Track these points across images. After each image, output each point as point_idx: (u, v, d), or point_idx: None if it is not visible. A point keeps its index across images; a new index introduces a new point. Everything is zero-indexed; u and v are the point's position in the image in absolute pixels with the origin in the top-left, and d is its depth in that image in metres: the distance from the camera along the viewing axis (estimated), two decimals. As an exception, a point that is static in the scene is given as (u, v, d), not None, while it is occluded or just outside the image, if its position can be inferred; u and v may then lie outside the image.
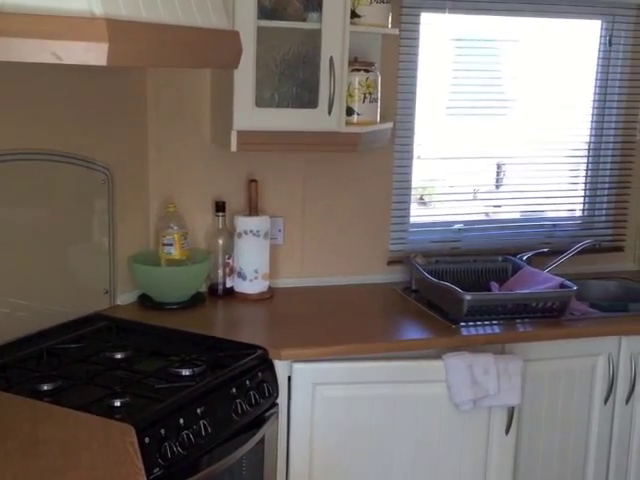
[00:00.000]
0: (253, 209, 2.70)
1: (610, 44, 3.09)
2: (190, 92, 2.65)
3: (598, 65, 3.13)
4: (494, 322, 2.51)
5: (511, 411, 2.36)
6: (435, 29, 2.88)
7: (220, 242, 2.68)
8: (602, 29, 3.11)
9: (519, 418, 2.42)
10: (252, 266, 2.67)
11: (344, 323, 2.49)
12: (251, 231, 2.65)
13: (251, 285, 2.67)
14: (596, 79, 3.14)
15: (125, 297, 2.58)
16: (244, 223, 2.66)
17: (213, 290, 2.70)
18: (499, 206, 3.19)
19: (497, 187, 3.20)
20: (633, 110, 3.17)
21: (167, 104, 2.62)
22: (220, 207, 2.68)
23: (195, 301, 2.61)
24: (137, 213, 2.63)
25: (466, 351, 2.31)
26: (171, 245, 2.57)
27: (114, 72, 2.38)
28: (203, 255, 2.66)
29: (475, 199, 3.13)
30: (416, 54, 2.86)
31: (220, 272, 2.68)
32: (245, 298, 2.67)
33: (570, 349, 2.52)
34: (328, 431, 2.27)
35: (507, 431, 2.37)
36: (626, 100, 3.15)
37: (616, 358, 2.56)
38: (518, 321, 2.53)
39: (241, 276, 2.67)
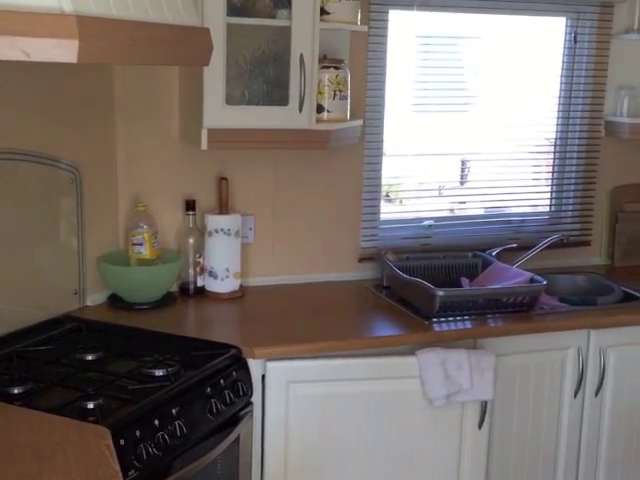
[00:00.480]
0: (224, 207, 2.68)
1: (575, 41, 3.13)
2: (158, 90, 2.63)
3: (563, 62, 3.16)
4: (466, 317, 2.53)
5: (484, 406, 2.38)
6: (401, 26, 2.89)
7: (191, 241, 2.66)
8: (567, 26, 3.15)
9: (491, 412, 2.44)
10: (223, 265, 2.65)
11: (317, 321, 2.49)
12: (222, 230, 2.63)
13: (222, 284, 2.66)
14: (562, 75, 3.18)
15: (95, 298, 2.55)
16: (215, 222, 2.64)
17: (184, 289, 2.68)
18: (463, 202, 3.21)
19: (462, 184, 3.22)
20: (598, 106, 3.21)
21: (135, 102, 2.60)
22: (190, 206, 2.66)
23: (166, 301, 2.58)
24: (106, 212, 2.60)
25: (439, 347, 2.32)
26: (141, 245, 2.54)
27: (80, 70, 2.34)
28: (174, 254, 2.64)
29: (440, 195, 3.14)
30: (385, 51, 2.87)
31: (191, 271, 2.66)
32: (216, 297, 2.65)
33: (540, 343, 2.55)
34: (303, 429, 2.26)
35: (480, 426, 2.39)
36: (591, 97, 3.19)
37: (585, 351, 2.59)
38: (489, 316, 2.55)
39: (212, 275, 2.66)
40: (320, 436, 2.28)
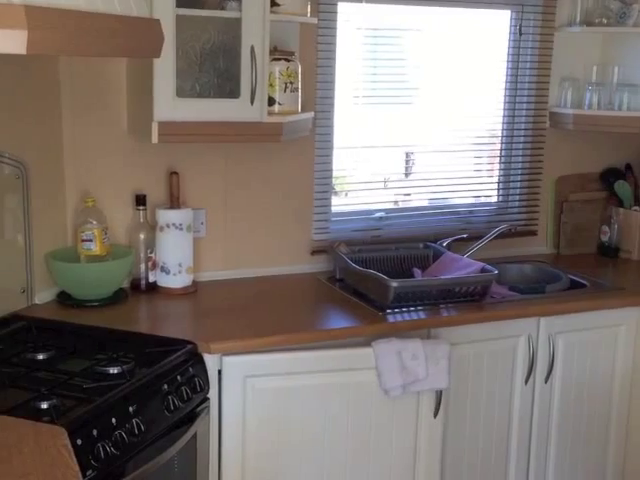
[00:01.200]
0: (175, 202, 2.65)
1: (520, 33, 3.18)
2: (105, 82, 2.58)
3: (509, 54, 3.21)
4: (419, 308, 2.55)
5: (439, 394, 2.40)
6: (347, 19, 2.88)
7: (141, 236, 2.62)
8: (512, 19, 3.19)
9: (446, 401, 2.46)
10: (175, 260, 2.62)
11: (272, 314, 2.48)
12: (173, 224, 2.60)
13: (175, 279, 2.63)
14: (507, 67, 3.22)
15: (43, 296, 2.49)
16: (166, 216, 2.61)
17: (136, 286, 2.64)
18: (408, 194, 3.22)
19: (406, 175, 3.22)
20: (542, 98, 3.26)
21: (81, 95, 2.54)
22: (141, 200, 2.62)
23: (117, 297, 2.54)
24: (54, 208, 2.54)
25: (394, 337, 2.34)
26: (91, 241, 2.49)
27: (24, 61, 2.28)
28: (124, 250, 2.60)
29: (386, 188, 3.15)
30: (334, 43, 2.86)
31: (142, 267, 2.63)
32: (169, 293, 2.62)
33: (492, 331, 2.58)
34: (260, 423, 2.26)
35: (435, 414, 2.42)
36: (536, 88, 3.25)
37: (535, 339, 2.64)
38: (442, 306, 2.57)
39: (164, 270, 2.62)
40: (278, 429, 2.27)
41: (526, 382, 2.65)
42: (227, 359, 2.21)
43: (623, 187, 3.34)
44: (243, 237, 2.84)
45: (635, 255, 3.29)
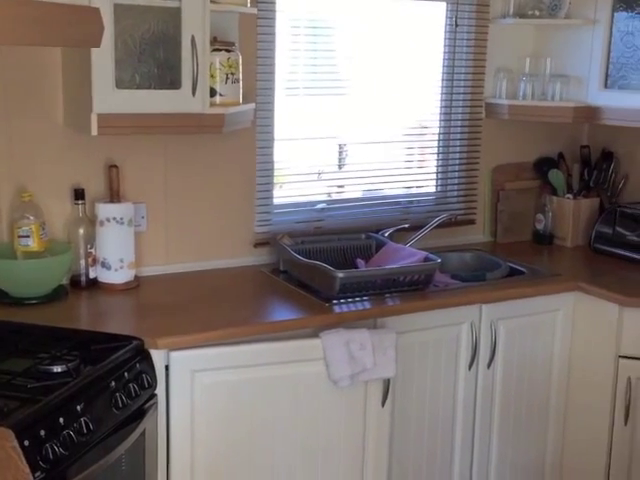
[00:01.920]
0: (114, 196, 2.59)
1: (456, 25, 3.22)
2: (40, 73, 2.50)
3: (445, 46, 3.25)
4: (364, 298, 2.56)
5: (386, 383, 2.42)
6: (282, 9, 2.86)
7: (81, 231, 2.56)
8: (447, 10, 3.23)
9: (393, 389, 2.48)
10: (117, 255, 2.56)
11: (217, 308, 2.45)
12: (114, 218, 2.54)
13: (116, 275, 2.57)
14: (444, 59, 3.26)
15: (-22, 294, 2.41)
16: (106, 210, 2.55)
17: (76, 282, 2.57)
18: (342, 186, 3.21)
19: (340, 167, 3.21)
20: (478, 89, 3.32)
21: (14, 86, 2.46)
22: (79, 194, 2.55)
23: (57, 295, 2.47)
24: (-12, 204, 2.46)
25: (342, 328, 2.34)
26: (28, 237, 2.42)
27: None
28: (63, 246, 2.53)
29: (320, 180, 3.13)
30: (273, 34, 2.84)
31: (82, 263, 2.56)
32: (111, 288, 2.57)
33: (436, 319, 2.62)
34: (209, 417, 2.23)
35: (383, 403, 2.43)
36: (472, 79, 3.29)
37: (478, 325, 2.69)
38: (387, 295, 2.59)
39: (105, 266, 2.57)
40: (227, 423, 2.25)
41: (469, 368, 2.70)
42: (174, 354, 2.18)
43: (556, 176, 3.43)
44: (185, 231, 2.80)
45: (569, 242, 3.38)
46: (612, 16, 3.07)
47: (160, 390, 2.16)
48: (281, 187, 3.04)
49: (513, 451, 2.86)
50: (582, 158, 3.48)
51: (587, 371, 2.84)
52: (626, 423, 2.74)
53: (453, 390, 2.70)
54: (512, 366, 2.79)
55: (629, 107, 3.00)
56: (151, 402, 2.12)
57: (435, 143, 3.34)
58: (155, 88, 2.38)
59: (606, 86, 3.11)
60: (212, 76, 2.47)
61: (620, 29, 3.06)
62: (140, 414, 2.06)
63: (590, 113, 3.14)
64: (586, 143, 3.52)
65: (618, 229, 3.21)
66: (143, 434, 2.07)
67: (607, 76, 3.11)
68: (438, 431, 2.71)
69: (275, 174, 2.97)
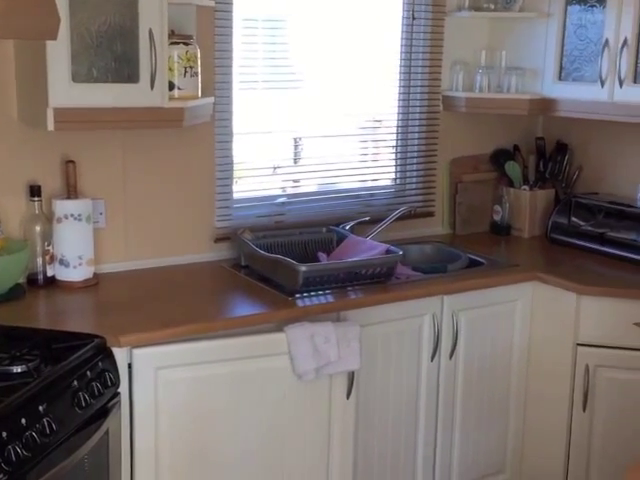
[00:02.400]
0: (72, 192, 2.54)
1: (413, 18, 3.23)
2: (-9, 67, 2.44)
3: (402, 39, 3.26)
4: (327, 291, 2.56)
5: (351, 376, 2.43)
6: (239, 3, 2.84)
7: (37, 229, 2.51)
8: (404, 3, 3.24)
9: (357, 382, 2.49)
10: (75, 252, 2.52)
11: (179, 304, 2.43)
12: (72, 215, 2.50)
13: (75, 272, 2.53)
14: (401, 52, 3.27)
15: None
16: (63, 207, 2.50)
17: (33, 280, 2.52)
18: (297, 180, 3.19)
19: (295, 161, 3.19)
20: (435, 82, 3.34)
21: (-34, 81, 2.40)
22: (35, 191, 2.50)
23: (14, 294, 2.42)
24: (-60, 202, 2.39)
25: (306, 321, 2.34)
26: (-17, 235, 2.37)
27: None
28: (19, 244, 2.47)
29: (275, 174, 3.10)
30: (230, 27, 2.82)
31: (39, 261, 2.51)
32: (69, 286, 2.52)
33: (399, 312, 2.63)
34: (173, 414, 2.21)
35: (348, 395, 2.44)
36: (429, 72, 3.31)
37: (439, 317, 2.71)
38: (349, 289, 2.60)
39: (63, 263, 2.52)
40: (191, 420, 2.23)
41: (432, 359, 2.72)
42: (137, 352, 2.15)
43: (513, 168, 3.47)
44: (144, 227, 2.77)
45: (525, 233, 3.43)
46: (565, 9, 3.12)
47: (123, 388, 2.13)
48: (237, 182, 3.00)
49: (475, 439, 2.90)
50: (537, 150, 3.53)
51: (546, 359, 2.88)
52: (584, 409, 2.80)
53: (416, 381, 2.72)
54: (473, 356, 2.82)
55: (583, 99, 3.05)
56: (114, 401, 2.09)
57: (392, 136, 3.35)
58: (113, 82, 2.34)
59: (560, 78, 3.16)
60: (170, 69, 2.45)
61: (573, 22, 3.11)
62: (103, 413, 2.03)
63: (545, 105, 3.19)
64: (541, 135, 3.57)
65: (573, 219, 3.27)
66: (107, 433, 2.04)
67: (561, 68, 3.16)
68: (402, 421, 2.72)
69: (234, 168, 2.95)
